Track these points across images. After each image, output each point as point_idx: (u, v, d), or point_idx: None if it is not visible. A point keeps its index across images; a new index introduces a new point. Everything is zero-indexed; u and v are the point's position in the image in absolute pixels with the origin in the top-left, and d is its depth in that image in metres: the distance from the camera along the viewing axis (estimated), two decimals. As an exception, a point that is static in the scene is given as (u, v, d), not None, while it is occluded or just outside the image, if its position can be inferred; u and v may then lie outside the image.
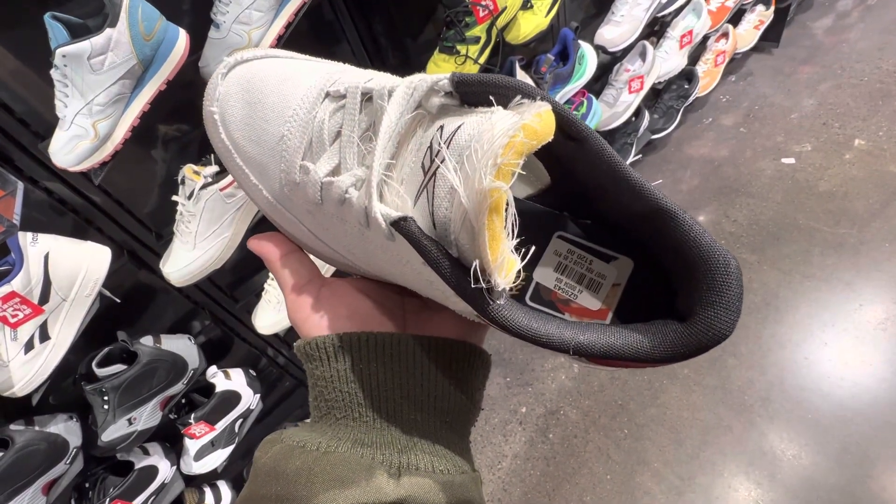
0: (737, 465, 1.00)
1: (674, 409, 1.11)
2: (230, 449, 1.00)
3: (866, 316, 1.12)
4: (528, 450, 1.14)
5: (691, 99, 1.64)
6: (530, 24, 0.98)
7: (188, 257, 0.75)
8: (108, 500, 0.85)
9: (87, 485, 0.88)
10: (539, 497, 1.07)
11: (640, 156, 1.65)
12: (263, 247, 0.26)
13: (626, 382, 1.18)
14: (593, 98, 1.29)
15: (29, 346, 0.67)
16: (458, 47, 0.89)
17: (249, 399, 1.01)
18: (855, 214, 1.30)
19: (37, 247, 0.65)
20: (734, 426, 1.05)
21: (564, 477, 1.08)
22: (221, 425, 0.97)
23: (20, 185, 0.63)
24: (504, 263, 0.15)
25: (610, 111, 1.38)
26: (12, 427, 0.75)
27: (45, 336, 0.68)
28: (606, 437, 1.11)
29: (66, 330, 0.70)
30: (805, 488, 0.94)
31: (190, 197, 0.72)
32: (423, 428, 0.21)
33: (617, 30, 1.21)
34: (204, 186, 0.72)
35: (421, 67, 0.94)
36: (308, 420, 0.24)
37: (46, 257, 0.66)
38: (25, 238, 0.65)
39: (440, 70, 0.91)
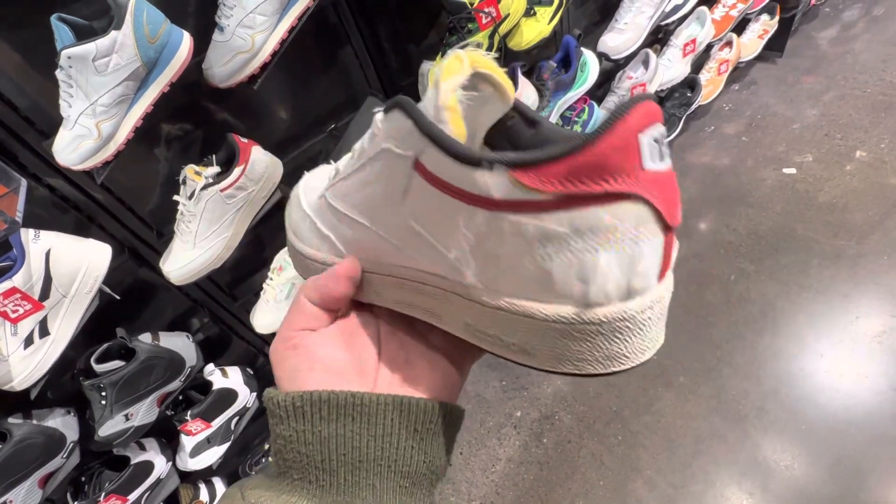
0: (729, 474, 1.00)
1: (668, 417, 1.11)
2: (226, 446, 1.01)
3: (863, 328, 1.13)
4: (521, 454, 1.15)
5: (694, 107, 1.64)
6: (533, 31, 0.98)
7: (188, 256, 0.76)
8: (103, 494, 0.86)
9: (83, 479, 0.89)
10: (532, 501, 1.07)
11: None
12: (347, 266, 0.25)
13: (622, 389, 1.19)
14: (595, 105, 1.29)
15: (29, 342, 0.68)
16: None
17: (246, 397, 1.02)
18: (854, 226, 1.31)
19: (38, 243, 0.66)
20: (728, 436, 1.05)
21: (557, 482, 1.09)
22: (218, 422, 0.98)
23: (23, 182, 0.64)
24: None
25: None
26: (10, 420, 0.76)
27: (44, 331, 0.69)
28: (600, 444, 1.11)
29: (65, 326, 0.71)
30: (797, 499, 0.94)
31: (191, 197, 0.73)
32: (381, 494, 0.21)
33: (620, 37, 1.21)
34: (205, 187, 0.73)
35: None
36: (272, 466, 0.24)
37: (48, 254, 0.67)
38: (27, 235, 0.66)
39: (442, 75, 0.91)
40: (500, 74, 0.22)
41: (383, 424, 0.21)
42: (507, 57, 0.99)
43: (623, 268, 0.19)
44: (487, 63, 0.21)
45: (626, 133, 0.18)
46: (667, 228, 0.19)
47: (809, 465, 0.98)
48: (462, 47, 0.23)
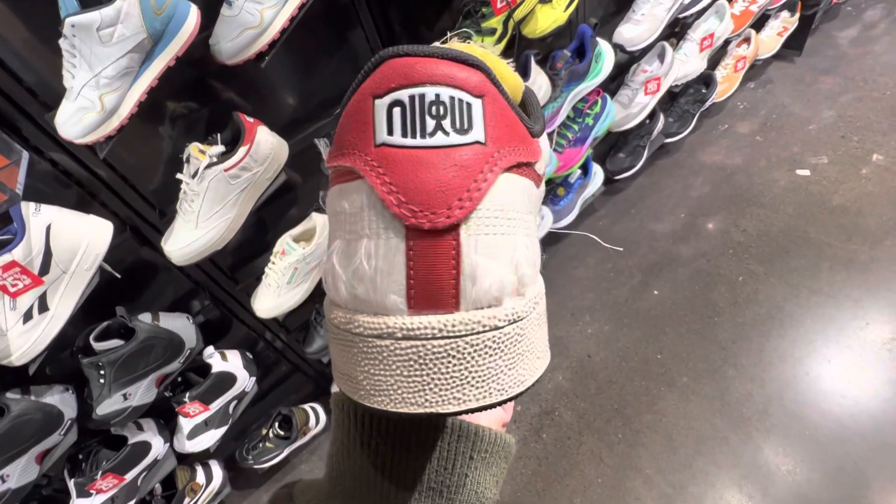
0: (730, 476, 0.99)
1: (670, 417, 1.10)
2: (223, 430, 1.01)
3: (872, 335, 1.11)
4: (520, 448, 1.14)
5: (708, 104, 1.61)
6: (548, 19, 0.96)
7: (190, 236, 0.75)
8: (100, 472, 0.86)
9: (80, 456, 0.89)
10: (529, 496, 1.07)
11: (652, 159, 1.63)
12: None
13: (624, 387, 1.17)
14: (608, 98, 1.27)
15: (28, 317, 0.67)
16: (474, 38, 0.87)
17: (245, 381, 1.01)
18: (867, 231, 1.28)
19: (39, 217, 0.65)
20: (730, 438, 1.04)
21: (555, 477, 1.08)
22: (216, 406, 0.97)
23: (25, 155, 0.62)
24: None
25: (624, 112, 1.36)
26: (8, 395, 0.76)
27: (44, 307, 0.68)
28: (600, 441, 1.11)
29: (65, 302, 0.70)
30: (798, 504, 0.93)
31: (194, 176, 0.72)
32: None
33: (636, 29, 1.18)
34: (209, 166, 0.71)
35: (434, 57, 0.93)
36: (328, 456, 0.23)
37: (48, 228, 0.66)
38: (28, 208, 0.65)
39: (454, 61, 0.89)
40: (502, 69, 0.19)
41: (440, 447, 0.20)
42: (520, 44, 0.97)
43: (343, 265, 0.15)
44: (486, 56, 0.19)
45: (360, 97, 0.14)
46: (416, 230, 0.14)
47: (811, 471, 0.96)
48: (463, 40, 0.20)
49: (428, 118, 0.13)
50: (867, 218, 1.31)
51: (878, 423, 0.99)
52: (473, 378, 0.14)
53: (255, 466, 1.12)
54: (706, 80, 1.58)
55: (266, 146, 0.75)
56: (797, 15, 1.71)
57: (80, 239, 0.69)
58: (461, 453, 0.20)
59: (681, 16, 1.26)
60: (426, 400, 0.14)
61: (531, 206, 0.16)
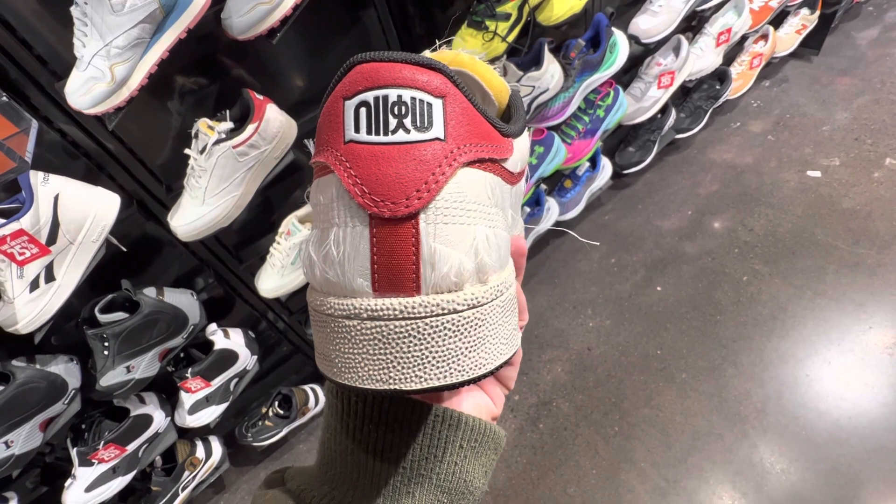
0: (724, 473, 1.00)
1: (667, 412, 1.10)
2: (224, 406, 1.02)
3: (874, 339, 1.10)
4: (516, 437, 1.15)
5: (721, 101, 1.59)
6: (564, 6, 0.94)
7: (196, 212, 0.75)
8: (102, 442, 0.87)
9: (83, 426, 0.90)
10: (523, 484, 1.08)
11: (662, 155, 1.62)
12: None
13: (622, 381, 1.18)
14: (620, 90, 1.25)
15: (34, 286, 0.68)
16: (487, 23, 0.86)
17: (246, 359, 1.02)
18: (876, 235, 1.27)
19: (47, 187, 0.65)
20: (726, 435, 1.04)
21: (550, 467, 1.09)
22: (217, 382, 0.98)
23: (34, 124, 0.62)
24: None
25: (636, 105, 1.34)
26: (14, 363, 0.76)
27: (50, 277, 0.69)
28: (596, 433, 1.11)
29: (71, 273, 0.71)
30: (791, 503, 0.94)
31: (202, 152, 0.71)
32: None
33: (653, 20, 1.16)
34: (217, 142, 0.71)
35: (448, 40, 0.92)
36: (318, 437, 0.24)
37: (56, 198, 0.66)
38: (37, 177, 0.65)
39: (466, 45, 0.88)
40: (488, 76, 0.21)
41: (430, 435, 0.20)
42: (534, 31, 0.95)
43: (317, 251, 0.16)
44: (474, 63, 0.20)
45: (333, 98, 0.16)
46: (378, 219, 0.15)
47: (806, 470, 0.97)
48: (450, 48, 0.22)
49: (391, 117, 0.15)
50: (876, 222, 1.29)
51: (875, 426, 0.99)
52: (434, 358, 0.15)
53: (254, 444, 1.14)
54: (721, 77, 1.56)
55: (275, 124, 0.75)
56: (817, 13, 1.68)
57: (87, 210, 0.69)
58: (451, 441, 0.21)
59: (698, 9, 1.24)
60: (390, 377, 0.15)
61: (498, 200, 0.17)
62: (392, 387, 0.15)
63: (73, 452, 0.87)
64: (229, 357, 0.99)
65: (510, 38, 0.89)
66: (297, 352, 1.24)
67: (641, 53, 1.32)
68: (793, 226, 1.36)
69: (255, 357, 1.05)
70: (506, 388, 0.26)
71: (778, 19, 1.63)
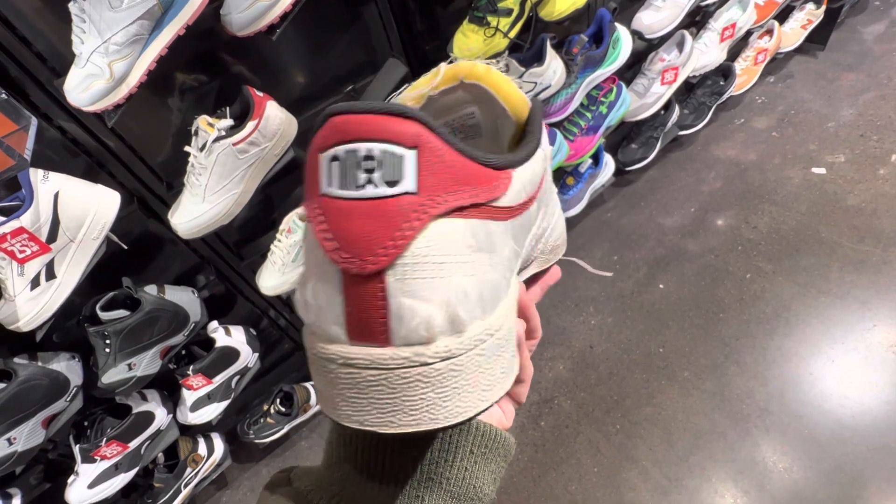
0: (726, 471, 0.99)
1: (669, 411, 1.10)
2: (226, 403, 1.02)
3: (878, 337, 1.10)
4: (518, 434, 1.15)
5: (725, 97, 1.57)
6: (567, 1, 0.93)
7: (197, 210, 0.75)
8: (104, 439, 0.87)
9: (85, 423, 0.90)
10: (524, 482, 1.08)
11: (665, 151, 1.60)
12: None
13: (624, 379, 1.17)
14: (623, 86, 1.24)
15: (35, 283, 0.68)
16: (489, 18, 0.85)
17: (248, 357, 1.02)
18: (881, 232, 1.26)
19: (47, 184, 0.65)
20: (728, 433, 1.04)
21: (551, 465, 1.09)
22: (219, 380, 0.99)
23: (34, 121, 0.62)
24: None
25: (639, 101, 1.33)
26: (16, 360, 0.77)
27: (51, 274, 0.69)
28: (598, 431, 1.11)
29: (72, 270, 0.71)
30: (793, 502, 0.93)
31: (202, 149, 0.71)
32: None
33: (657, 15, 1.15)
34: (217, 139, 0.71)
35: (449, 36, 0.91)
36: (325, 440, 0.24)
37: (56, 196, 0.66)
38: (37, 175, 0.65)
39: (468, 40, 0.87)
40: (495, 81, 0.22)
41: (441, 439, 0.20)
42: (537, 26, 0.94)
43: (301, 294, 0.17)
44: (489, 75, 0.21)
45: (311, 151, 0.16)
46: (348, 274, 0.15)
47: (808, 469, 0.96)
48: (450, 62, 0.22)
49: (359, 172, 0.15)
50: (882, 219, 1.28)
51: (879, 425, 0.98)
52: (406, 406, 0.16)
53: (256, 441, 1.14)
54: (725, 72, 1.54)
55: (275, 122, 0.75)
56: (823, 7, 1.66)
57: (87, 208, 0.69)
58: (462, 446, 0.21)
59: (702, 4, 1.22)
60: (366, 420, 0.16)
61: (484, 243, 0.17)
62: (368, 428, 0.16)
63: (76, 449, 0.87)
64: (231, 354, 0.99)
65: (512, 34, 0.88)
66: (299, 349, 1.24)
67: (645, 49, 1.31)
68: (797, 223, 1.35)
69: (257, 354, 1.05)
70: (516, 403, 0.26)
71: (783, 14, 1.61)
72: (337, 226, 0.15)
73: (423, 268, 0.15)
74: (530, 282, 0.29)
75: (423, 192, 0.15)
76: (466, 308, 0.16)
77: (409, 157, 0.15)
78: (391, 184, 0.15)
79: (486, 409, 0.17)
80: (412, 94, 0.22)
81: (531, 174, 0.20)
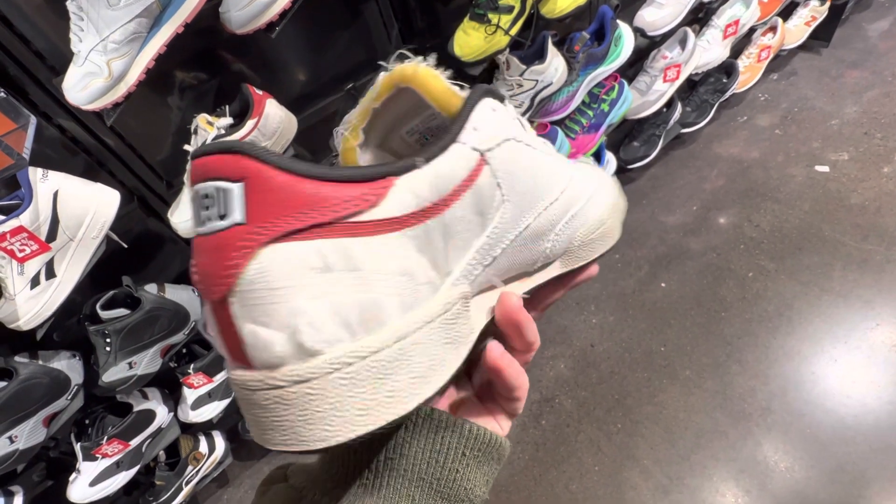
0: (728, 470, 0.99)
1: (670, 410, 1.10)
2: (226, 402, 1.02)
3: (881, 336, 1.09)
4: (518, 433, 1.15)
5: (728, 94, 1.56)
6: (568, -2, 0.93)
7: (196, 209, 0.75)
8: (106, 437, 0.87)
9: (86, 421, 0.90)
10: (525, 480, 1.08)
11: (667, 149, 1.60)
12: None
13: (625, 378, 1.17)
14: (625, 84, 1.23)
15: (35, 282, 0.68)
16: (490, 15, 0.85)
17: (249, 356, 1.02)
18: (885, 231, 1.25)
19: (46, 183, 0.65)
20: (730, 432, 1.03)
21: (552, 464, 1.09)
22: (220, 378, 0.99)
23: (33, 120, 0.62)
24: None
25: (641, 99, 1.32)
26: (17, 359, 0.77)
27: (51, 273, 0.69)
28: (599, 430, 1.11)
29: (72, 269, 0.70)
30: (794, 501, 0.93)
31: (202, 147, 0.71)
32: None
33: (659, 12, 1.14)
34: (216, 138, 0.70)
35: (450, 33, 0.90)
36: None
37: (56, 195, 0.66)
38: (35, 174, 0.65)
39: (469, 38, 0.87)
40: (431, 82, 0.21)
41: (434, 440, 0.21)
42: (538, 23, 0.94)
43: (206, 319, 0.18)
44: (415, 75, 0.20)
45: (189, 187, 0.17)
46: (208, 303, 0.16)
47: (810, 469, 0.96)
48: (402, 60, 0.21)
49: (202, 210, 0.16)
50: (885, 218, 1.28)
51: (881, 425, 0.98)
52: (277, 426, 0.16)
53: (257, 439, 1.14)
54: (728, 70, 1.53)
55: (275, 120, 0.74)
56: (827, 4, 1.65)
57: (87, 207, 0.69)
58: (453, 448, 0.21)
59: (705, 0, 1.21)
60: (253, 432, 0.18)
61: (335, 264, 0.16)
62: (259, 442, 0.17)
63: (77, 447, 0.87)
64: (231, 353, 0.99)
65: (513, 32, 0.88)
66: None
67: (647, 46, 1.30)
68: (800, 221, 1.34)
69: (257, 353, 1.05)
70: (510, 416, 0.25)
71: (787, 11, 1.60)
72: (196, 260, 0.17)
73: (258, 294, 0.16)
74: (554, 285, 0.27)
75: (252, 221, 0.16)
76: (313, 331, 0.16)
77: (236, 189, 0.16)
78: (223, 217, 0.16)
79: (368, 433, 0.17)
80: (357, 112, 0.22)
81: (434, 176, 0.19)
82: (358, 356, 0.16)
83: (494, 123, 0.21)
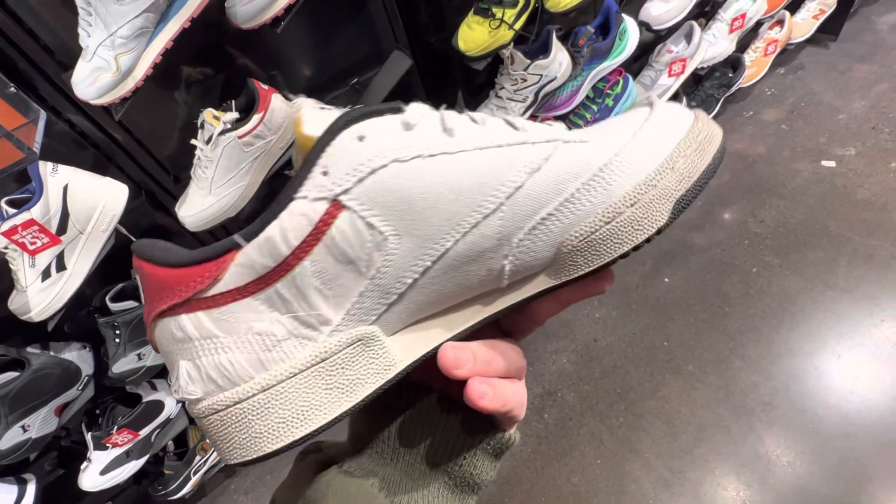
0: (729, 465, 0.99)
1: (673, 404, 1.10)
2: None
3: (886, 332, 1.09)
4: (521, 426, 1.15)
5: (734, 89, 1.55)
6: (573, -8, 0.92)
7: (203, 203, 0.76)
8: (116, 427, 0.89)
9: (97, 411, 0.92)
10: (527, 473, 1.09)
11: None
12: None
13: (628, 372, 1.18)
14: (630, 78, 1.23)
15: (46, 274, 0.69)
16: (494, 10, 0.85)
17: (255, 348, 1.03)
18: (892, 227, 1.24)
19: (57, 177, 0.66)
20: (732, 427, 1.04)
21: (555, 456, 1.10)
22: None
23: (42, 114, 0.63)
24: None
25: (646, 94, 1.32)
26: (29, 350, 0.78)
27: (61, 266, 0.70)
28: (601, 424, 1.12)
29: (82, 262, 0.72)
30: (796, 495, 0.94)
31: (208, 142, 0.72)
32: (429, 482, 0.23)
33: (665, 6, 1.14)
34: (223, 132, 0.71)
35: (454, 28, 0.90)
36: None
37: (66, 189, 0.67)
38: (46, 168, 0.66)
39: (473, 32, 0.87)
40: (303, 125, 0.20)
41: (444, 428, 0.23)
42: (542, 18, 0.93)
43: None
44: (296, 121, 0.21)
45: None
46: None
47: (812, 464, 0.96)
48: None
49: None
50: (892, 213, 1.27)
51: (885, 421, 0.98)
52: (220, 443, 0.20)
53: (263, 430, 1.16)
54: (734, 64, 1.52)
55: (280, 114, 0.75)
56: (836, -3, 1.63)
57: (96, 200, 0.70)
58: (462, 439, 0.24)
59: (712, -7, 1.21)
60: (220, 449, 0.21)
61: (192, 334, 0.20)
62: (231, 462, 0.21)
63: (88, 437, 0.89)
64: (237, 345, 1.00)
65: (517, 26, 0.88)
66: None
67: (652, 40, 1.29)
68: (805, 217, 1.33)
69: (263, 346, 1.06)
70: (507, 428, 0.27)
71: (794, 4, 1.58)
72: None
73: (162, 352, 0.21)
74: (550, 301, 0.24)
75: (146, 304, 0.21)
76: (189, 384, 0.20)
77: (139, 282, 0.22)
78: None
79: (255, 460, 0.20)
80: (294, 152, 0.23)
81: (266, 242, 0.18)
82: (223, 405, 0.20)
83: (357, 155, 0.18)
